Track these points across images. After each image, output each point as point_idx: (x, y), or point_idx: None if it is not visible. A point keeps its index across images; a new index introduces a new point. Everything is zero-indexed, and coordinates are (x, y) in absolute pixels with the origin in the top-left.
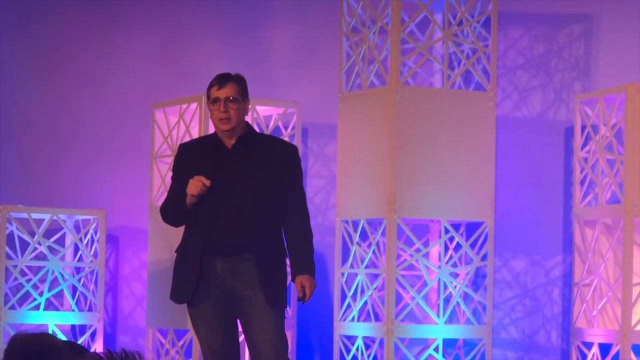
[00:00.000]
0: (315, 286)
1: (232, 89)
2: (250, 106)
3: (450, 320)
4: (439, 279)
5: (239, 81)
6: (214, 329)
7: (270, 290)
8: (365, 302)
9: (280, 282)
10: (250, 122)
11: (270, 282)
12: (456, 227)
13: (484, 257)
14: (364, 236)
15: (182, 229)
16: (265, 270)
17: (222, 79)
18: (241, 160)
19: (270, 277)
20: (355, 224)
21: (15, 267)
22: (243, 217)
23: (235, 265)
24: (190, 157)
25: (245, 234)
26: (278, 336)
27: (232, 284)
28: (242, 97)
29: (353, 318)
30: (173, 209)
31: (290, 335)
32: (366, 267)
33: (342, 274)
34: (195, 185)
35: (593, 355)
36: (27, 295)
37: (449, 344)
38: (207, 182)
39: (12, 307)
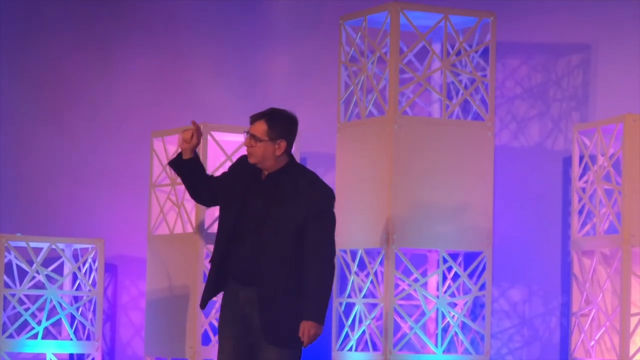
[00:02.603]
0: (316, 333)
1: (257, 127)
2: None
3: (448, 350)
4: (437, 309)
5: (270, 120)
6: (229, 352)
7: (274, 328)
8: (364, 332)
9: (289, 319)
10: None
11: (277, 319)
12: (454, 256)
13: (482, 287)
14: (362, 266)
15: (182, 256)
16: (274, 306)
17: (255, 116)
18: (268, 193)
19: (277, 314)
20: (354, 254)
21: (13, 295)
22: (257, 249)
23: (255, 296)
24: (239, 171)
25: (258, 267)
26: None
27: (250, 314)
28: (271, 137)
29: (351, 348)
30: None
31: None
32: (364, 296)
33: (340, 304)
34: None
35: None
36: (25, 324)
37: None
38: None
39: (10, 336)
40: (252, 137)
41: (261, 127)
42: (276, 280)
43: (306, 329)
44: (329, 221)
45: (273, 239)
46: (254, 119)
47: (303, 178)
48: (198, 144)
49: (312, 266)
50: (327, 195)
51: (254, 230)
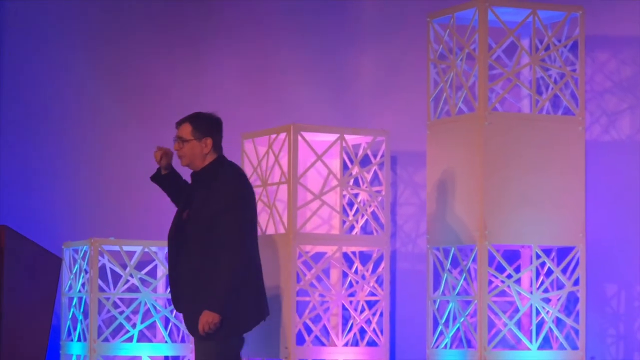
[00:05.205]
0: (208, 321)
1: (183, 129)
2: (338, 135)
3: (543, 345)
4: (531, 305)
5: (194, 121)
6: None
7: (195, 322)
8: (458, 329)
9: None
10: (339, 150)
11: (195, 313)
12: (547, 252)
13: (576, 282)
14: (455, 263)
15: (275, 256)
16: (193, 300)
17: (179, 120)
18: (192, 195)
19: (197, 308)
20: (446, 251)
21: (107, 299)
22: (183, 251)
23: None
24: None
25: (184, 268)
26: None
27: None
28: (196, 136)
29: (446, 345)
30: None
31: None
32: (458, 293)
33: (434, 301)
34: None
35: None
36: (120, 327)
37: None
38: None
39: (106, 340)
40: (178, 139)
41: (186, 129)
42: (191, 279)
43: (202, 317)
44: (232, 211)
45: (192, 238)
46: (179, 123)
47: (221, 175)
48: (169, 163)
49: (218, 257)
50: (228, 188)
51: (180, 234)
